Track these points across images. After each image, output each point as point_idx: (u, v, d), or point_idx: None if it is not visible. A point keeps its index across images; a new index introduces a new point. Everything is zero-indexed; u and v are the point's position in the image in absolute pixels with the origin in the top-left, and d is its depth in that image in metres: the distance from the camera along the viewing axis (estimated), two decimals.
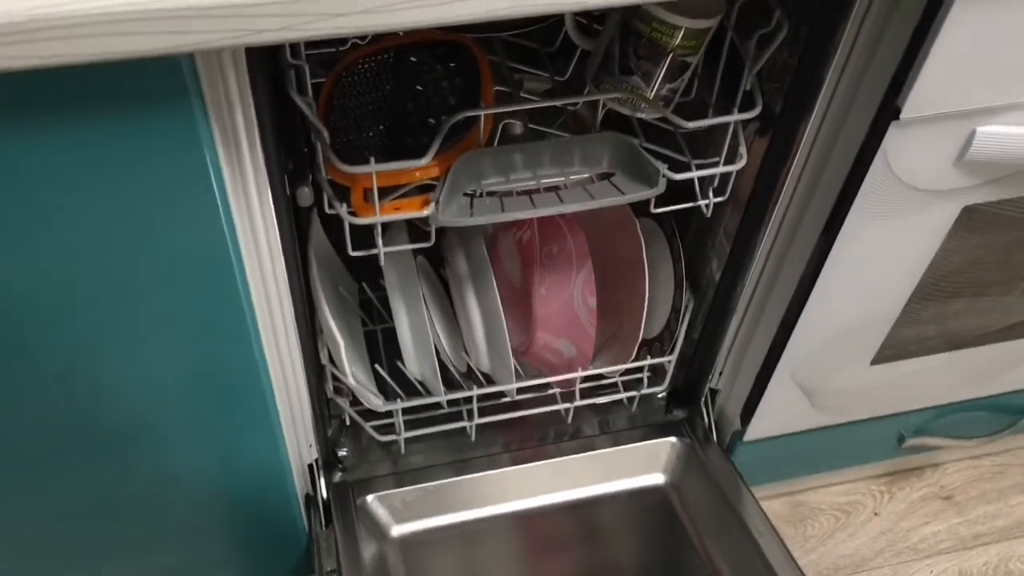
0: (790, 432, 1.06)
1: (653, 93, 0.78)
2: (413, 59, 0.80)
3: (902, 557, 1.20)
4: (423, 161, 0.70)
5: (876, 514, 1.24)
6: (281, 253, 0.73)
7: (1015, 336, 1.00)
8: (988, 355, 1.02)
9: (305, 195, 0.74)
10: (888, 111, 0.69)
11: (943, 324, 0.96)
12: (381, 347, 1.08)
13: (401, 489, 0.99)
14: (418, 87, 0.79)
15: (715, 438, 1.06)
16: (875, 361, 0.97)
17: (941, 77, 0.66)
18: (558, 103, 0.77)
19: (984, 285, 0.92)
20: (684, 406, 1.09)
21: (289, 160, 0.76)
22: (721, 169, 0.79)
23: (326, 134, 0.70)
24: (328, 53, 0.83)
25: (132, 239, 0.63)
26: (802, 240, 0.84)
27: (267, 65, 0.64)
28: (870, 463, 1.24)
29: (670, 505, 1.03)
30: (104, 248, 0.63)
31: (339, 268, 1.04)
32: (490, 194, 0.76)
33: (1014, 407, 1.14)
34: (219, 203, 0.63)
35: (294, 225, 0.81)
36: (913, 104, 0.67)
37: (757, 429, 1.03)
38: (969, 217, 0.80)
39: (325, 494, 0.98)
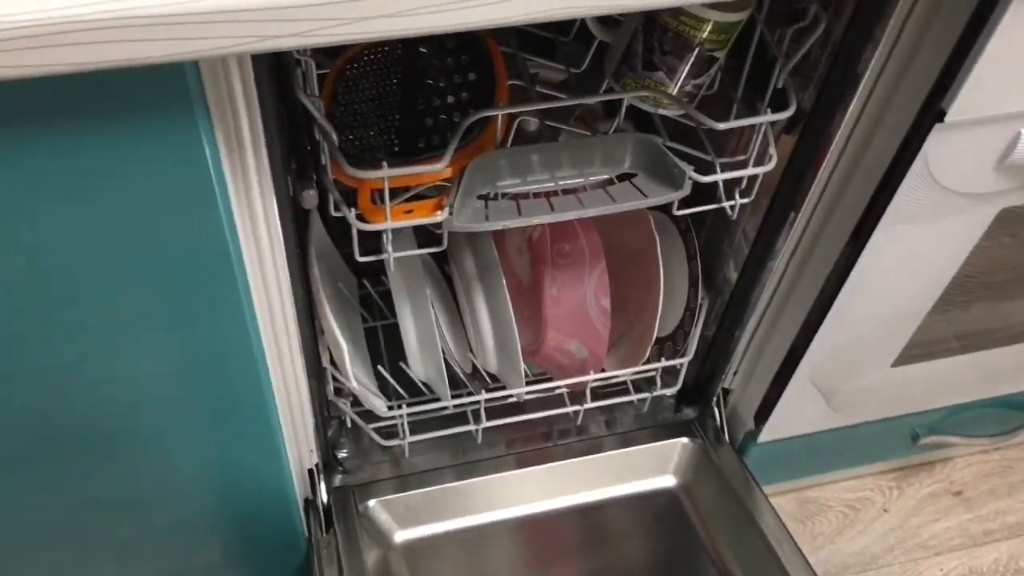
0: (804, 433, 1.03)
1: (677, 89, 0.74)
2: (423, 50, 0.75)
3: (912, 555, 1.18)
4: (439, 166, 0.66)
5: (885, 511, 1.21)
6: (284, 257, 0.70)
7: None
8: (1008, 356, 0.99)
9: (309, 198, 0.70)
10: (931, 113, 0.65)
11: (966, 326, 0.93)
12: (382, 344, 1.04)
13: (404, 493, 0.96)
14: (428, 81, 0.75)
15: (727, 439, 1.02)
16: (896, 363, 0.93)
17: (991, 79, 0.62)
18: (579, 101, 0.73)
19: (1011, 287, 0.89)
20: (694, 405, 1.05)
21: (293, 159, 0.71)
22: (750, 171, 0.75)
23: (334, 136, 0.66)
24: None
25: (132, 241, 0.60)
26: (828, 242, 0.81)
27: (273, 63, 0.59)
28: (880, 461, 1.21)
29: (681, 508, 1.00)
30: (104, 250, 0.60)
31: (338, 264, 0.99)
32: (506, 196, 0.72)
33: None
34: (221, 209, 0.60)
35: (297, 227, 0.76)
36: (959, 107, 0.64)
37: (771, 430, 1.00)
38: (1005, 220, 0.77)
39: (325, 499, 0.95)
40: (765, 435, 1.01)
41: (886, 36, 0.65)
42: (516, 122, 0.76)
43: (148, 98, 0.49)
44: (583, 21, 0.77)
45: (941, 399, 1.05)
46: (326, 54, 0.78)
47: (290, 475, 0.89)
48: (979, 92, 0.63)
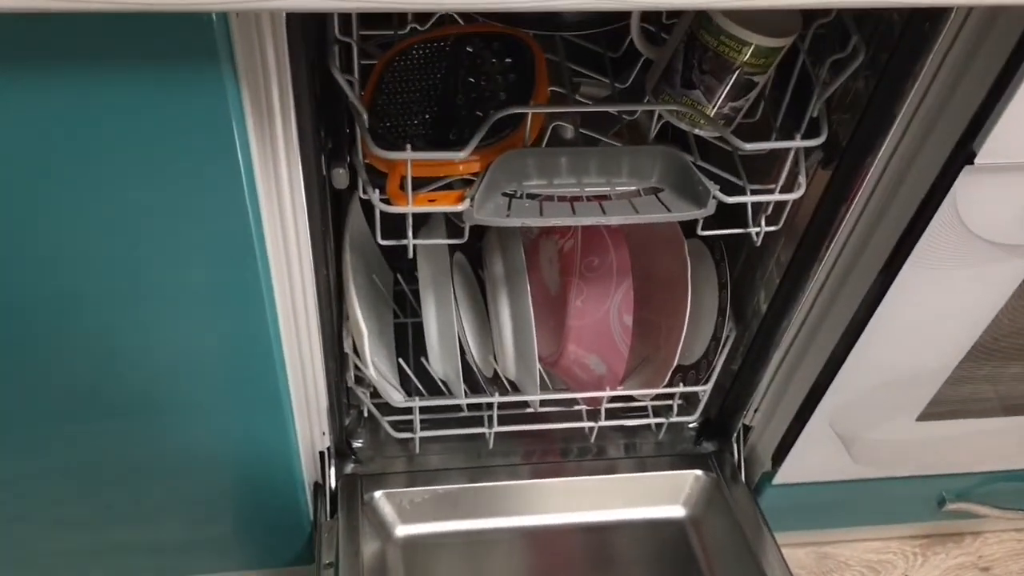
0: (823, 480, 1.01)
1: (714, 110, 0.74)
2: (469, 49, 0.77)
3: None
4: (461, 154, 0.67)
5: None
6: (308, 234, 0.71)
7: None
8: None
9: (340, 176, 0.72)
10: (962, 154, 0.64)
11: (1000, 386, 0.90)
12: (410, 341, 1.06)
13: (411, 489, 0.97)
14: (470, 79, 0.76)
15: (743, 477, 1.01)
16: (921, 417, 0.91)
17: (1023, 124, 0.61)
18: (608, 109, 0.74)
19: None
20: (715, 439, 1.04)
21: (329, 139, 0.74)
22: (776, 197, 0.74)
23: (365, 116, 0.68)
24: (387, 36, 0.81)
25: (150, 202, 0.61)
26: (856, 280, 0.79)
27: (313, 38, 0.62)
28: (905, 523, 1.17)
29: (687, 540, 0.98)
30: (112, 204, 0.61)
31: (376, 256, 1.01)
32: (530, 196, 0.73)
33: None
34: (243, 176, 0.61)
35: (328, 207, 0.78)
36: (990, 149, 0.63)
37: (788, 473, 0.98)
38: None
39: (333, 484, 0.96)
40: (780, 477, 0.99)
41: (924, 73, 0.64)
42: (551, 127, 0.77)
43: (173, 49, 0.51)
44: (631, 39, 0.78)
45: (970, 463, 1.02)
46: (380, 46, 0.80)
47: (298, 454, 0.90)
48: (1011, 136, 0.62)
